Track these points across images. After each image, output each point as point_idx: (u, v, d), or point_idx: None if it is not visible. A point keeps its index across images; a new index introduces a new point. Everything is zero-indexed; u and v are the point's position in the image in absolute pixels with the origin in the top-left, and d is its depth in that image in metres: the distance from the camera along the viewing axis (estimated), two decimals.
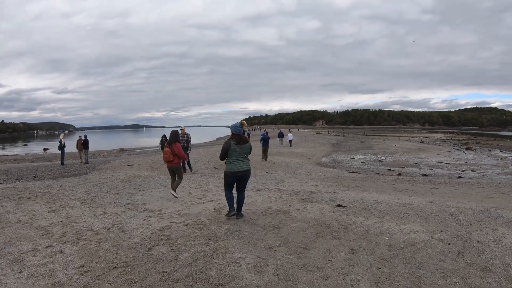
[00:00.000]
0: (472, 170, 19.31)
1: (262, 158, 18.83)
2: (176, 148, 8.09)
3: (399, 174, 16.43)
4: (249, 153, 6.21)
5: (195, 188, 10.02)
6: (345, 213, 6.62)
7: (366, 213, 6.61)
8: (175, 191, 8.29)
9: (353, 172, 16.27)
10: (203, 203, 7.98)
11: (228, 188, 6.20)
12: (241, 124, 6.06)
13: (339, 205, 7.23)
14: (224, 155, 6.01)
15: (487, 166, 21.94)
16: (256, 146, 24.24)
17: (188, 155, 12.93)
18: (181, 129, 12.93)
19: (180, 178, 8.50)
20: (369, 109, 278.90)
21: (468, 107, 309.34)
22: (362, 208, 7.06)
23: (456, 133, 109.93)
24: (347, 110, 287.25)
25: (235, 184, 6.20)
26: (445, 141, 55.67)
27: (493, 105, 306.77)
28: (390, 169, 18.79)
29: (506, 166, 22.04)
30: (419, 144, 44.68)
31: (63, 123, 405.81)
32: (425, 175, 16.85)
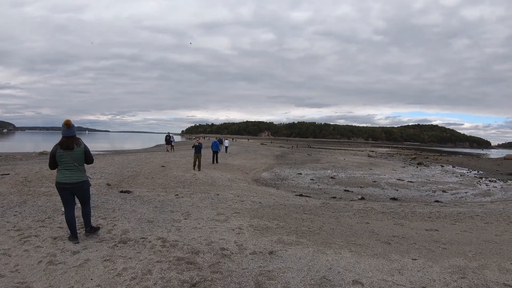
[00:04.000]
0: (444, 191, 16.40)
1: (194, 168, 16.80)
2: None
3: (362, 198, 12.72)
4: (89, 162, 5.27)
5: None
6: None
7: None
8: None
9: (301, 195, 12.18)
10: None
11: (66, 205, 5.08)
12: (65, 124, 4.94)
13: None
14: (52, 163, 5.03)
15: (453, 184, 19.49)
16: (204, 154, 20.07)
17: None
18: None
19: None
20: (315, 122, 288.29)
21: (410, 124, 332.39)
22: None
23: (400, 148, 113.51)
24: (293, 122, 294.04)
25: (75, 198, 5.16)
26: (392, 156, 55.16)
27: (434, 123, 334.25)
28: (348, 190, 15.11)
29: (472, 184, 19.81)
30: (368, 158, 42.79)
31: (2, 121, 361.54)
32: (394, 198, 13.38)
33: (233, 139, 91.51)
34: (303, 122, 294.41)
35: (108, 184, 10.76)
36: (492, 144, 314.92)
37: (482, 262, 4.90)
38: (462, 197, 15.09)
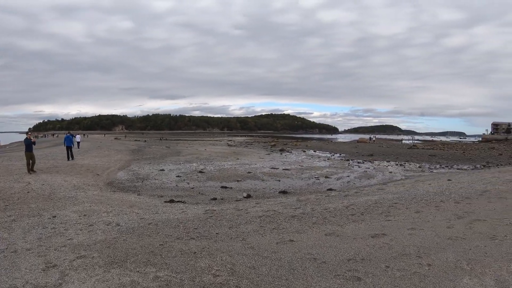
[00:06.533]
0: (327, 177, 15.91)
1: (29, 171, 14.27)
2: None
3: (249, 196, 10.66)
4: None
5: None
6: None
7: None
8: None
9: (172, 200, 9.27)
10: None
11: None
12: None
13: None
14: None
15: (328, 168, 19.68)
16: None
17: None
18: None
19: None
20: (170, 114, 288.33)
21: (263, 113, 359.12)
22: None
23: (256, 136, 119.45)
24: (148, 115, 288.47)
25: None
26: (251, 144, 56.26)
27: (286, 112, 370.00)
28: (226, 186, 12.85)
29: (345, 167, 20.51)
30: (229, 148, 42.11)
31: None
32: (284, 192, 11.85)
33: (84, 134, 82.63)
34: (158, 114, 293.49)
35: None
36: (340, 129, 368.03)
37: (492, 274, 3.25)
38: (349, 181, 14.74)
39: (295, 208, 7.74)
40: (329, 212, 7.14)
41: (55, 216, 6.84)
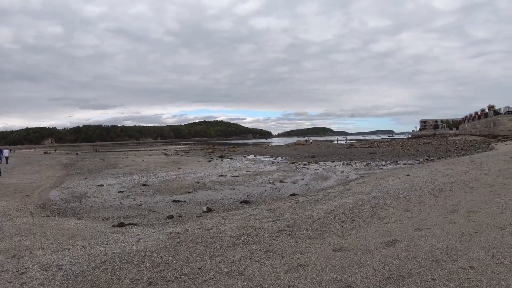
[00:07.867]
0: (282, 181, 15.22)
1: None
2: None
3: (210, 210, 9.56)
4: None
5: None
6: None
7: None
8: None
9: (122, 224, 7.80)
10: None
11: None
12: None
13: None
14: None
15: (278, 172, 19.40)
16: None
17: None
18: None
19: None
20: (101, 125, 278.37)
21: (196, 121, 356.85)
22: None
23: (191, 144, 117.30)
24: (78, 126, 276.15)
25: None
26: (188, 152, 54.62)
27: (219, 119, 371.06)
28: (178, 200, 11.56)
29: (294, 170, 20.43)
30: (167, 157, 40.24)
31: None
32: (246, 201, 10.99)
33: (11, 150, 75.63)
34: (89, 125, 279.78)
35: None
36: (274, 133, 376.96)
37: None
38: (307, 184, 14.37)
39: (274, 220, 6.76)
40: (316, 221, 6.27)
41: None
